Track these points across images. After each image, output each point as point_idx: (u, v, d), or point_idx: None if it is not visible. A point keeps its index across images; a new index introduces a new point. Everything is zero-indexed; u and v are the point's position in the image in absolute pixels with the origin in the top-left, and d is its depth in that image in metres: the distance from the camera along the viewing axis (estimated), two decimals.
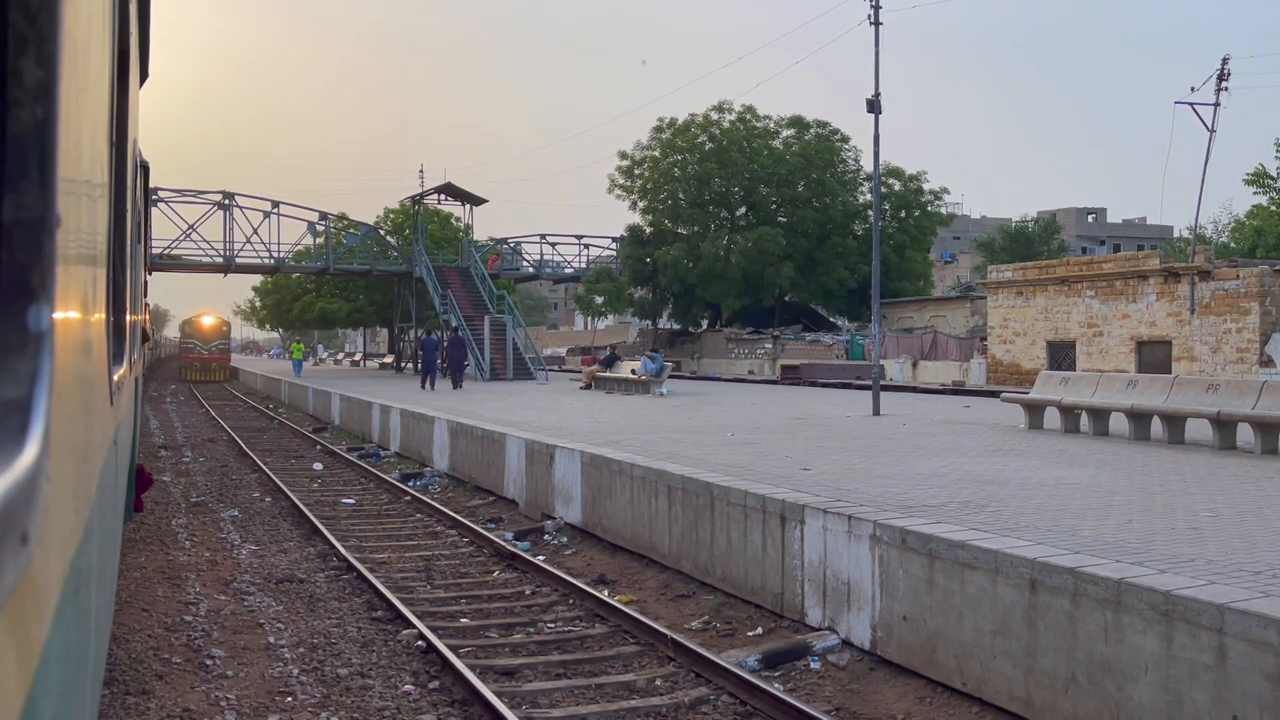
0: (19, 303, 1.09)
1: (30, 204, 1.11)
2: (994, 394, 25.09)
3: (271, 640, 8.18)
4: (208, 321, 60.12)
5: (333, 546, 11.56)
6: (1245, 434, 12.69)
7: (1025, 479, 10.00)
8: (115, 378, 3.11)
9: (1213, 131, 32.90)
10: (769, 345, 50.91)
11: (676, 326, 59.88)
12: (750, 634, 8.28)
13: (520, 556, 10.90)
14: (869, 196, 49.62)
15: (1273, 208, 49.81)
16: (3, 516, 0.90)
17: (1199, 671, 5.22)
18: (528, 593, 9.76)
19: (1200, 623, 5.24)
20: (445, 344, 32.86)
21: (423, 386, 30.79)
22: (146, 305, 14.76)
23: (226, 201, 44.10)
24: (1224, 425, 12.70)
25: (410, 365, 45.54)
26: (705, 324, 58.75)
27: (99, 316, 2.16)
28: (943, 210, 58.45)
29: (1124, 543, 6.80)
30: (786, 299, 56.11)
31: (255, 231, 44.58)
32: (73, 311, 1.45)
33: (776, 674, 7.31)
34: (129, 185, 4.49)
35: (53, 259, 1.15)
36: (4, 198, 1.08)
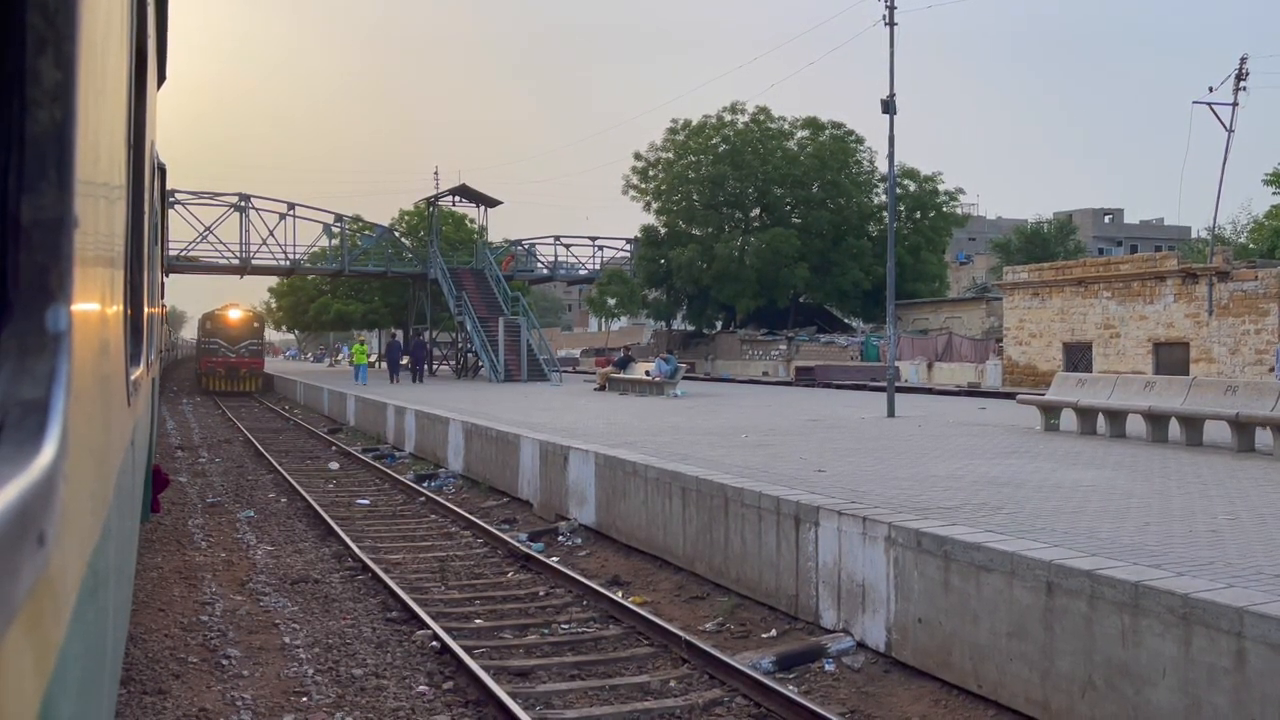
0: (37, 303, 1.09)
1: (48, 205, 1.11)
2: (1010, 396, 24.97)
3: (287, 640, 8.21)
4: (235, 316, 46.91)
5: (348, 547, 11.60)
6: (1264, 436, 12.59)
7: (1041, 481, 9.95)
8: (132, 378, 3.13)
9: (1231, 131, 32.68)
10: (783, 347, 50.81)
11: (690, 328, 59.82)
12: (764, 636, 8.26)
13: (534, 558, 10.91)
14: (884, 197, 49.46)
15: None
16: (21, 517, 0.90)
17: (1218, 675, 5.18)
18: (542, 594, 9.77)
19: (1219, 626, 5.20)
20: (410, 346, 38.99)
21: (394, 380, 35.98)
22: (163, 306, 14.84)
23: (242, 203, 44.31)
24: (1243, 427, 12.60)
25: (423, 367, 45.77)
26: (719, 325, 58.68)
27: (116, 317, 2.17)
28: (958, 211, 58.18)
29: (1142, 545, 6.76)
30: (801, 300, 55.99)
31: (271, 233, 44.78)
32: (90, 312, 1.46)
33: (791, 676, 7.29)
34: (146, 187, 4.51)
35: (71, 260, 1.15)
36: (22, 199, 1.08)
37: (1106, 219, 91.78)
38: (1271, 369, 28.28)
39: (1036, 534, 7.10)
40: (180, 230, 42.88)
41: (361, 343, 43.18)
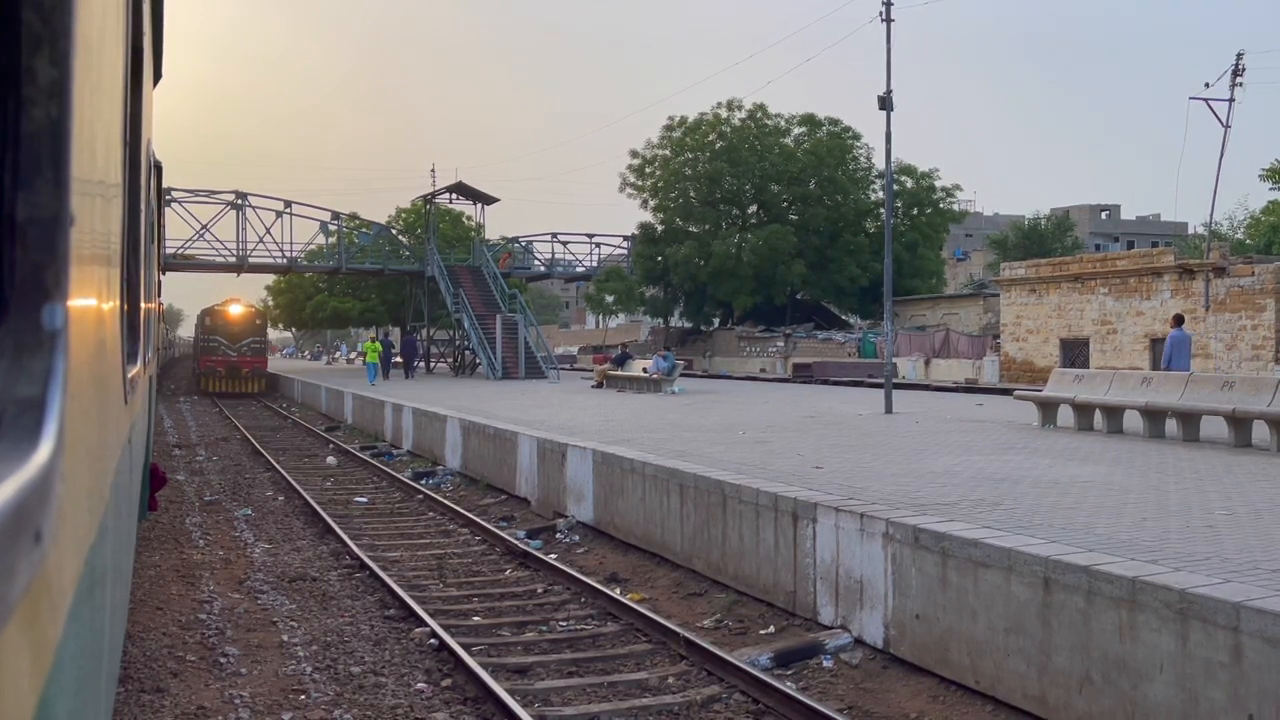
0: (33, 301, 1.09)
1: (44, 203, 1.11)
2: (1007, 392, 24.99)
3: (285, 638, 8.21)
4: (236, 312, 44.19)
5: (346, 545, 11.60)
6: (1261, 431, 12.61)
7: (1038, 477, 9.96)
8: (129, 376, 3.13)
9: (1228, 127, 32.68)
10: (781, 343, 50.83)
11: (688, 325, 59.84)
12: (762, 632, 8.27)
13: (532, 555, 10.92)
14: (881, 194, 49.46)
15: None
16: (17, 515, 0.90)
17: (1215, 670, 5.19)
18: (540, 591, 9.77)
19: (1216, 621, 5.21)
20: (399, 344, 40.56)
21: (385, 377, 37.43)
22: (160, 304, 14.82)
23: (239, 201, 44.26)
24: (1239, 423, 12.62)
25: (422, 364, 45.76)
26: (717, 322, 58.69)
27: (113, 315, 2.17)
28: (955, 207, 58.21)
29: (1138, 541, 6.77)
30: (798, 297, 56.01)
31: (268, 231, 44.72)
32: (87, 310, 1.45)
33: (789, 672, 7.30)
34: (143, 185, 4.50)
35: (67, 258, 1.15)
36: (18, 196, 1.08)
37: (1103, 215, 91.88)
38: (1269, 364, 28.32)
39: (1034, 530, 7.11)
40: (177, 228, 42.92)
41: (374, 340, 40.75)
